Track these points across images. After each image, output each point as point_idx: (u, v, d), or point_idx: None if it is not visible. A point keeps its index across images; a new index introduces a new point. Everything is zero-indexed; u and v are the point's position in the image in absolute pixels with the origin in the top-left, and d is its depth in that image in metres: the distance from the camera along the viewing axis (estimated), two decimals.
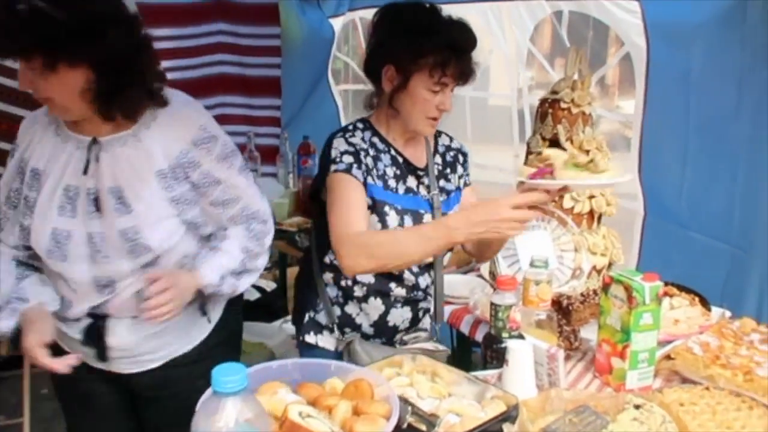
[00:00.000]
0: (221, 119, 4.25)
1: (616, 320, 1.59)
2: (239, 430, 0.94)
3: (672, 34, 2.42)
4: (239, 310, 1.91)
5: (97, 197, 1.56)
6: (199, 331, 1.77)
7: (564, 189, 1.65)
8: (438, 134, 1.95)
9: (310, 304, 1.93)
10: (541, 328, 1.69)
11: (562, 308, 1.90)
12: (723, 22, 2.23)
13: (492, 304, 1.58)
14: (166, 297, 1.52)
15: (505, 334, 1.56)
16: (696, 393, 1.51)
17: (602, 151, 2.20)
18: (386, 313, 1.87)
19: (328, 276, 1.89)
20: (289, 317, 2.93)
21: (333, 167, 1.72)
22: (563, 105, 2.19)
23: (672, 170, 2.55)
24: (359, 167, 1.73)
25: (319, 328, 1.92)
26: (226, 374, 0.93)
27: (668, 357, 1.71)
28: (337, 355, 1.86)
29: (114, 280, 1.60)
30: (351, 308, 1.88)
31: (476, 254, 1.99)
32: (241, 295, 1.83)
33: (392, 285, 1.85)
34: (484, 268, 2.38)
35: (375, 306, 1.86)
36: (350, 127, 1.82)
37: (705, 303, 2.00)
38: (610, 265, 2.33)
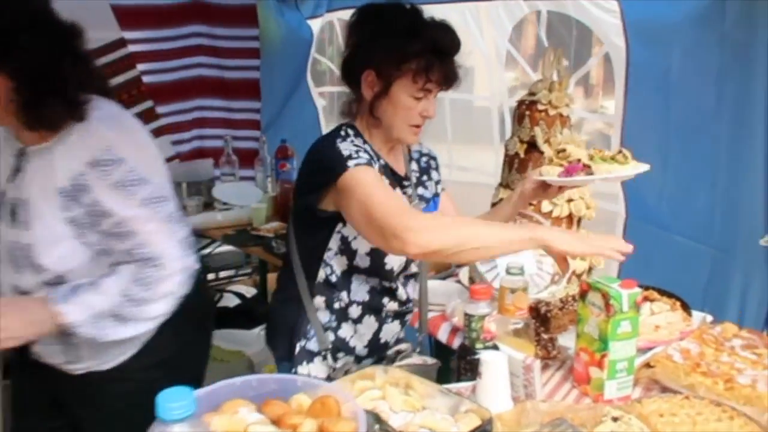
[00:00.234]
0: (199, 123, 4.28)
1: (593, 328, 1.54)
2: None
3: (651, 34, 2.40)
4: (180, 332, 1.69)
5: (14, 207, 1.53)
6: (121, 351, 1.64)
7: (562, 189, 1.60)
8: None
9: (301, 332, 1.77)
10: (518, 337, 1.64)
11: (540, 315, 1.86)
12: (701, 21, 2.20)
13: (465, 314, 1.53)
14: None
15: (479, 345, 1.52)
16: (676, 403, 1.47)
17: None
18: (379, 330, 1.80)
19: (319, 300, 1.75)
20: None
21: (352, 162, 1.55)
22: (540, 107, 2.15)
23: (653, 171, 2.51)
24: (374, 166, 1.61)
25: (311, 356, 1.77)
26: (171, 400, 0.88)
27: (648, 365, 1.67)
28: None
29: (27, 290, 1.56)
30: (345, 331, 1.77)
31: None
32: (183, 318, 1.64)
33: (385, 300, 1.78)
34: (463, 273, 2.33)
35: (369, 324, 1.78)
36: (342, 133, 1.70)
37: (686, 308, 1.96)
38: (590, 269, 2.29)
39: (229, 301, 3.99)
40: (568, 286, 2.11)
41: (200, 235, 3.54)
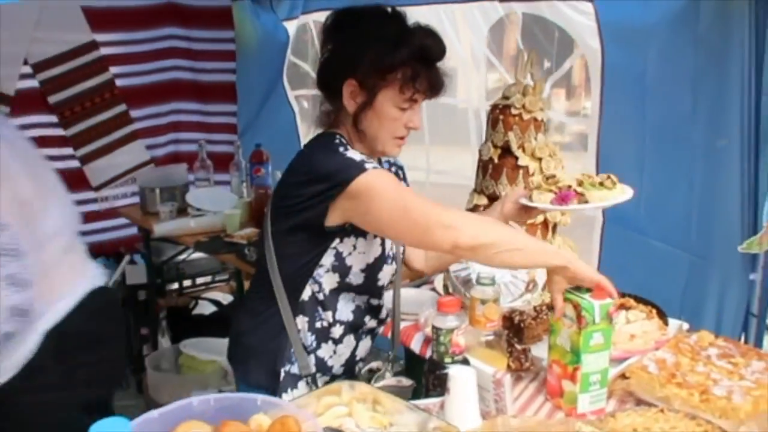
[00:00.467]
0: (175, 127, 4.22)
1: (565, 340, 1.50)
2: None
3: (625, 36, 2.37)
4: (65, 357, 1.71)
5: None
6: None
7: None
8: None
9: (284, 357, 1.66)
10: (491, 348, 1.60)
11: (513, 325, 1.82)
12: (675, 23, 2.18)
13: (433, 327, 1.48)
14: None
15: (447, 359, 1.46)
16: (650, 417, 1.44)
17: (555, 158, 2.13)
18: (356, 347, 1.74)
19: (301, 320, 1.66)
20: None
21: (369, 165, 1.48)
22: (514, 111, 2.10)
23: (630, 175, 2.48)
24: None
25: (294, 381, 1.67)
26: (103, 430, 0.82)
27: (623, 376, 1.64)
28: None
29: None
30: (324, 351, 1.69)
31: (429, 271, 1.93)
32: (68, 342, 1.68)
33: (367, 318, 1.73)
34: (438, 281, 2.28)
35: (348, 344, 1.72)
36: (337, 141, 1.59)
37: (662, 315, 1.92)
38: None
39: (205, 308, 3.92)
40: (543, 293, 2.07)
41: (173, 242, 3.50)
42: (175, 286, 3.99)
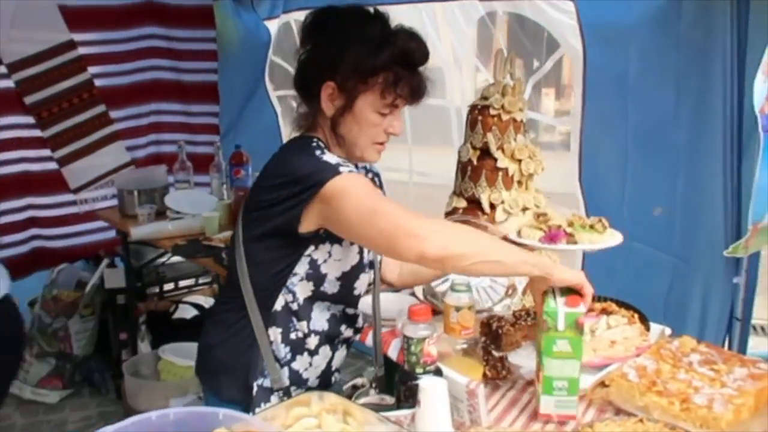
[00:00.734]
0: (156, 127, 4.15)
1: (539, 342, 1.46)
2: None
3: (607, 36, 2.33)
4: None
5: None
6: None
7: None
8: None
9: (257, 370, 1.60)
10: (468, 356, 1.56)
11: (491, 332, 1.77)
12: (657, 22, 2.15)
13: (404, 336, 1.43)
14: None
15: (419, 370, 1.42)
16: (629, 427, 1.40)
17: (535, 159, 2.08)
18: (332, 358, 1.68)
19: (274, 332, 1.59)
20: None
21: (344, 168, 1.43)
22: (493, 111, 2.05)
23: (613, 177, 2.46)
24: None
25: (267, 395, 1.61)
26: None
27: (603, 384, 1.59)
28: None
29: None
30: (299, 364, 1.62)
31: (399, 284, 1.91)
32: None
33: (343, 327, 1.67)
34: (418, 286, 2.24)
35: (324, 355, 1.66)
36: (314, 144, 1.53)
37: (644, 320, 1.88)
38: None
39: (187, 312, 3.86)
40: (524, 298, 2.02)
41: (153, 245, 3.43)
42: (156, 289, 3.92)
